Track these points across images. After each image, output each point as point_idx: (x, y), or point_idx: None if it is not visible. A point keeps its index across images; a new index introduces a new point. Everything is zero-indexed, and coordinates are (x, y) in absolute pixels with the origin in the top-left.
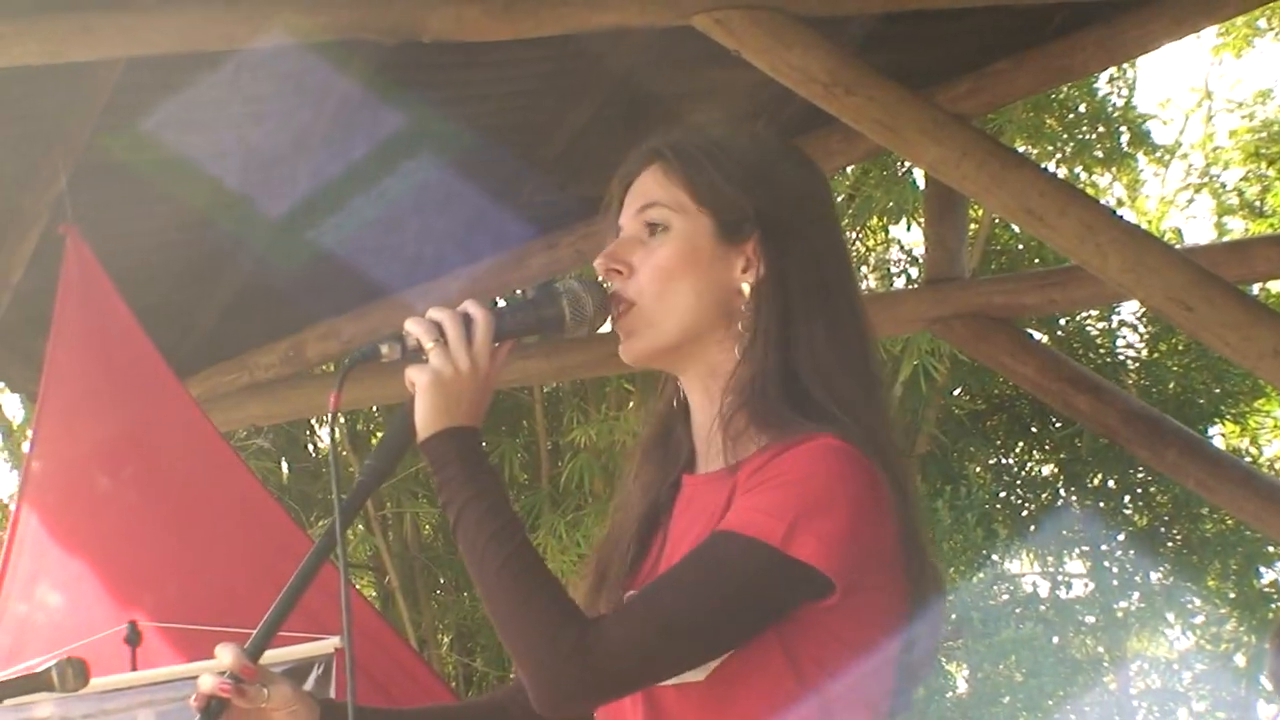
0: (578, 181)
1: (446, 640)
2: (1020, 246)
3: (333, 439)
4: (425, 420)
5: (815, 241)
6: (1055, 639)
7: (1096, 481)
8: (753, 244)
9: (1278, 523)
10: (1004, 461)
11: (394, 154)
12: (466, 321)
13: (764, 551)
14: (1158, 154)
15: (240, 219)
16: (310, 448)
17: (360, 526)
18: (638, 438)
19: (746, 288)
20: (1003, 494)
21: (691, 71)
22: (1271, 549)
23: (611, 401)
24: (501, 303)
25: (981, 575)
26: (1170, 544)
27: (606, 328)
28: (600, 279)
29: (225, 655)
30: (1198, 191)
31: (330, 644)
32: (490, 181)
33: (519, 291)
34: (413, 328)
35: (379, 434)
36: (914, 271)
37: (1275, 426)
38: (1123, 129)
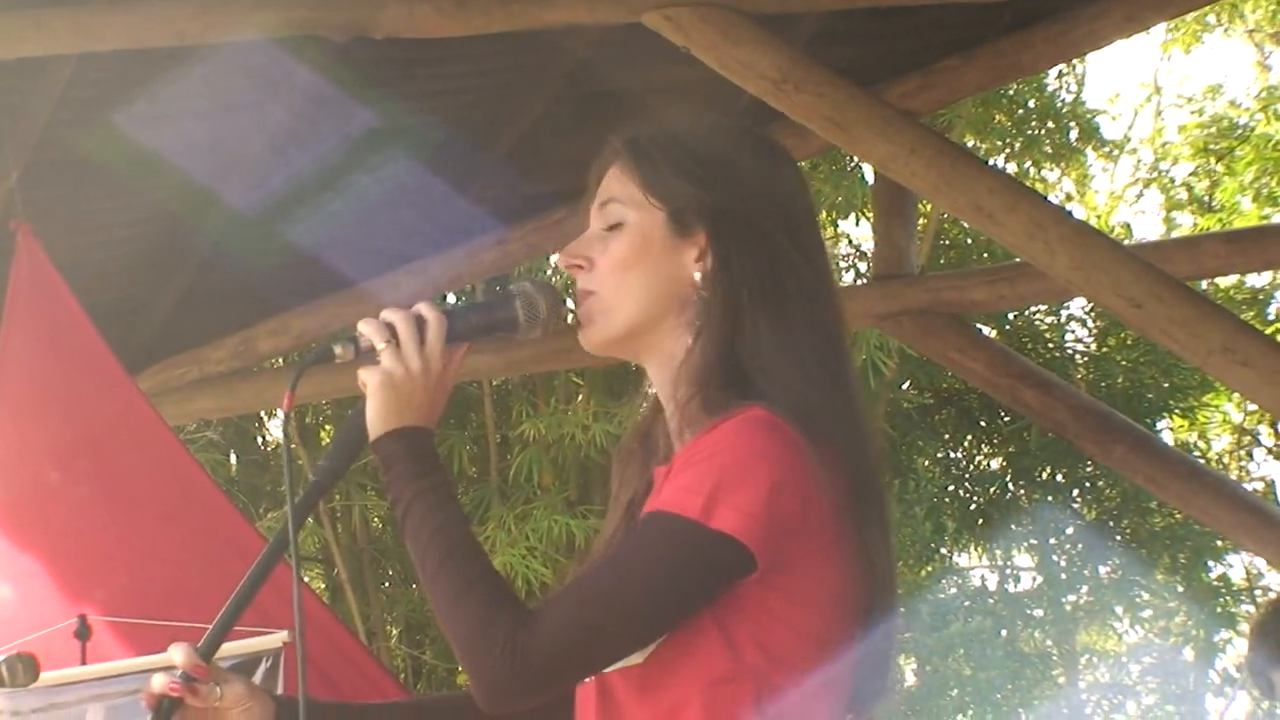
0: (530, 177)
1: (395, 633)
2: (969, 241)
3: (286, 440)
4: (376, 420)
5: (771, 232)
6: (1004, 632)
7: (1045, 475)
8: (702, 235)
9: (1225, 517)
10: (952, 455)
11: (346, 149)
12: (419, 323)
13: (683, 526)
14: (1107, 149)
15: (191, 214)
16: (259, 440)
17: (309, 519)
18: (621, 437)
19: (699, 277)
20: (951, 488)
21: (643, 68)
22: (1219, 543)
23: (560, 395)
24: (452, 300)
25: (930, 569)
26: (1119, 538)
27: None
28: (550, 277)
29: (177, 654)
30: (1146, 186)
31: (278, 638)
32: (443, 176)
33: (471, 288)
34: (365, 329)
35: (329, 428)
36: (862, 266)
37: (1223, 421)
38: (1072, 124)
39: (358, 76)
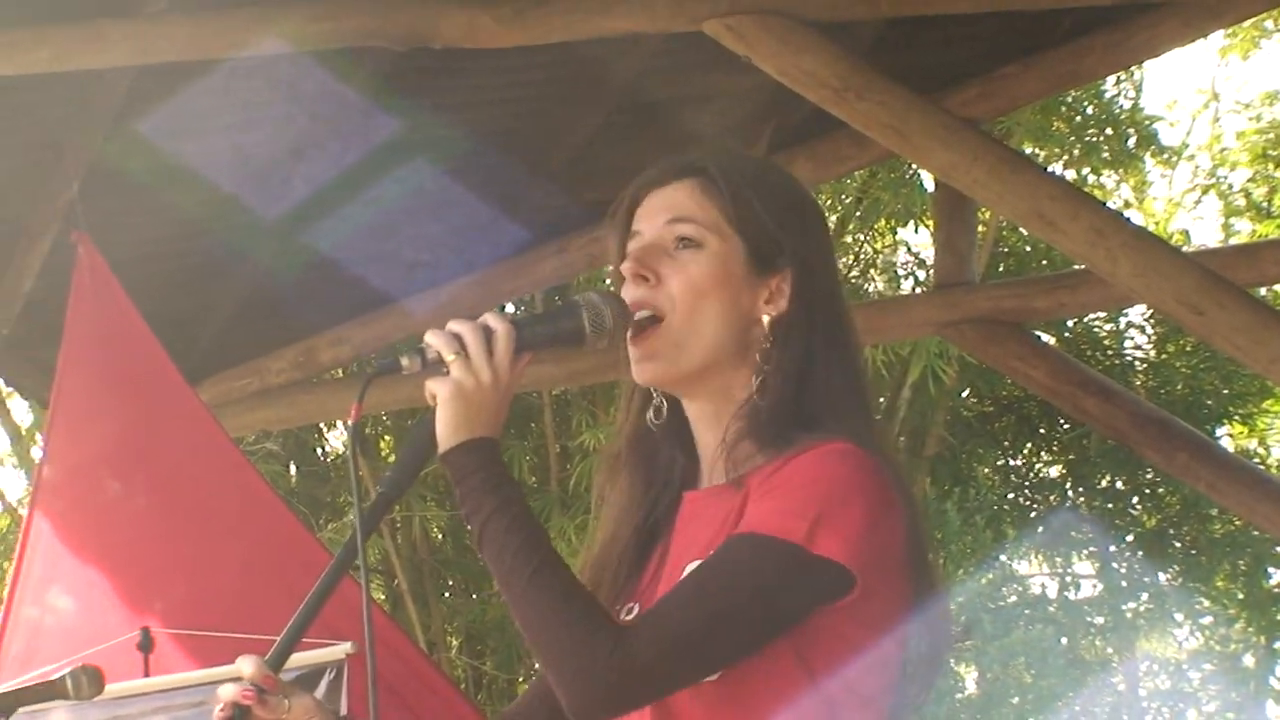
0: (588, 186)
1: (456, 643)
2: (1028, 249)
3: (353, 451)
4: (447, 432)
5: (832, 278)
6: (1064, 640)
7: (1105, 483)
8: (780, 278)
9: None
10: (1012, 463)
11: (402, 160)
12: (487, 333)
13: (789, 550)
14: (1165, 156)
15: (251, 225)
16: (319, 451)
17: None
18: (607, 453)
19: (767, 320)
20: (1011, 495)
21: (700, 77)
22: None
23: (620, 405)
24: (510, 310)
25: (990, 577)
26: (1179, 545)
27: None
28: (610, 287)
29: (246, 666)
30: (1205, 193)
31: (342, 650)
32: (500, 187)
33: (530, 299)
34: (433, 340)
35: (388, 439)
36: (921, 274)
37: None
38: (1130, 131)
39: (413, 87)
